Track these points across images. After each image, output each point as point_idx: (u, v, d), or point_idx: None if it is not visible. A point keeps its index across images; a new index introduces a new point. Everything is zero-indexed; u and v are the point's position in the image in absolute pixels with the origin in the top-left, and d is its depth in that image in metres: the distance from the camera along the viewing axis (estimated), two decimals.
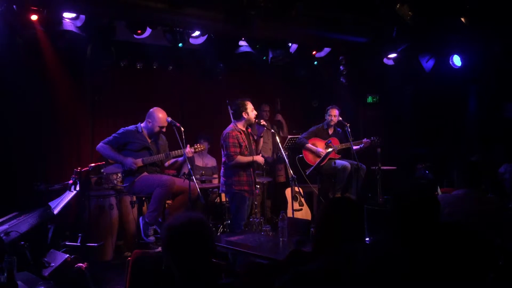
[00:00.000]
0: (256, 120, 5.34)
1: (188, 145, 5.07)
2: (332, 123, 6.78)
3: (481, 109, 7.70)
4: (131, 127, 5.20)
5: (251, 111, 5.29)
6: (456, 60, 7.03)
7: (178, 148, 5.09)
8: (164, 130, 5.20)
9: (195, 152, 5.26)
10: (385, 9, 5.82)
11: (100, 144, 5.09)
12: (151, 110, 5.20)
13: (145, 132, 5.19)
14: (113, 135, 5.13)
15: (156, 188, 4.89)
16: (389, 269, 2.10)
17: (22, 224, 4.43)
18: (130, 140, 5.09)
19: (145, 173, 5.08)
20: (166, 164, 5.39)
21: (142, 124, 5.22)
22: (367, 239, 4.02)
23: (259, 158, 5.30)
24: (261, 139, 5.58)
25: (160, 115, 5.15)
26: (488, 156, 6.39)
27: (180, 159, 5.28)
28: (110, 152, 5.05)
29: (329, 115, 6.72)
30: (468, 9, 5.87)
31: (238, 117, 5.28)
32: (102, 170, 5.22)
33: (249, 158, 5.20)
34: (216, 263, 2.17)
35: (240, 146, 5.17)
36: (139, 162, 5.02)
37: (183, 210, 5.09)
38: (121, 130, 5.17)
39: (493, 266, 2.37)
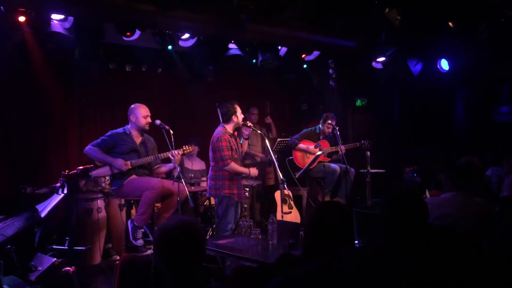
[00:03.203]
0: (243, 122, 5.36)
1: (175, 151, 5.05)
2: (327, 133, 6.80)
3: (469, 112, 7.78)
4: (119, 129, 5.17)
5: (239, 114, 5.30)
6: (444, 64, 7.11)
7: (166, 151, 5.07)
8: (149, 120, 5.15)
9: (183, 154, 5.24)
10: (374, 13, 5.86)
11: (88, 146, 5.05)
12: (131, 107, 5.20)
13: (133, 133, 5.16)
14: (101, 137, 5.10)
15: (145, 191, 4.86)
16: (378, 272, 2.11)
17: (8, 227, 4.38)
18: (118, 142, 5.07)
19: (134, 176, 5.05)
20: (160, 170, 5.35)
21: (129, 126, 5.19)
22: (356, 242, 4.04)
23: (254, 171, 5.26)
24: (246, 141, 5.59)
25: (141, 108, 5.15)
26: (476, 159, 6.45)
27: (170, 165, 5.25)
28: (98, 154, 5.01)
29: (327, 126, 6.72)
30: (456, 14, 5.93)
31: (228, 120, 5.27)
32: (90, 173, 5.18)
33: (244, 169, 5.19)
34: (206, 267, 2.16)
35: (231, 149, 5.17)
36: (128, 164, 4.99)
37: (171, 212, 5.08)
38: (109, 132, 5.14)
39: (481, 269, 2.39)
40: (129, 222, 5.01)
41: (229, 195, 5.17)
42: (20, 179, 5.74)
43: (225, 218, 5.19)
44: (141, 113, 5.12)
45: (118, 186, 5.02)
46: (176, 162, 5.02)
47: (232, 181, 5.20)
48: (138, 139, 5.18)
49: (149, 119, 5.15)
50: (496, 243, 2.89)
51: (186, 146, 5.30)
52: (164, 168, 5.36)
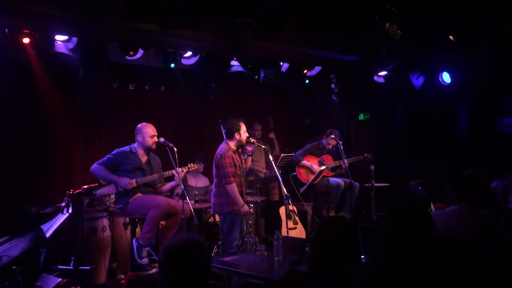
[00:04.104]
0: (247, 140, 5.37)
1: (180, 168, 5.08)
2: (331, 148, 6.80)
3: (472, 124, 7.79)
4: (125, 148, 5.19)
5: (243, 133, 5.30)
6: (446, 77, 7.14)
7: (171, 169, 5.08)
8: (156, 140, 5.15)
9: (188, 171, 5.26)
10: (375, 28, 5.91)
11: (94, 165, 5.06)
12: (138, 126, 5.20)
13: (139, 152, 5.17)
14: (107, 156, 5.11)
15: (150, 209, 4.86)
16: (385, 287, 2.11)
17: (13, 248, 4.39)
18: (124, 161, 5.08)
19: (139, 194, 5.05)
20: (163, 188, 5.36)
21: (135, 144, 5.22)
22: (362, 257, 4.02)
23: (246, 209, 5.22)
24: (250, 158, 5.60)
25: (148, 128, 5.16)
26: (480, 171, 6.45)
27: (172, 182, 5.26)
28: (104, 173, 5.02)
29: (330, 141, 6.72)
30: (456, 27, 5.98)
31: (230, 136, 5.29)
32: (94, 192, 5.19)
33: (240, 200, 5.14)
34: (212, 285, 2.17)
35: (235, 166, 5.19)
36: (133, 182, 5.00)
37: (176, 230, 5.08)
38: (115, 151, 5.16)
39: (488, 283, 2.38)
40: (134, 240, 5.01)
41: (233, 212, 5.18)
42: (25, 199, 5.76)
43: (230, 235, 5.19)
44: (148, 133, 5.13)
45: (124, 204, 5.01)
46: (179, 180, 5.03)
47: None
48: (144, 158, 5.20)
49: (155, 139, 5.15)
50: (503, 255, 2.88)
51: (191, 163, 5.31)
52: (167, 186, 5.36)
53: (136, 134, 5.18)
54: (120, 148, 5.18)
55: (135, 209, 5.00)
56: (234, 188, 5.12)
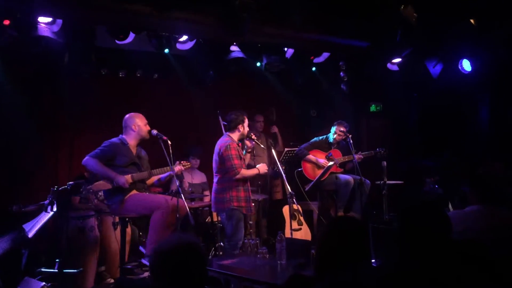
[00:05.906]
0: (247, 135, 5.45)
1: (178, 162, 5.10)
2: (339, 142, 6.78)
3: (493, 116, 7.75)
4: (115, 139, 5.13)
5: (246, 126, 5.43)
6: (466, 65, 7.10)
7: (165, 164, 5.06)
8: (149, 128, 5.19)
9: (184, 169, 5.30)
10: (388, 10, 5.88)
11: (87, 158, 4.96)
12: (129, 116, 5.22)
13: (131, 144, 5.15)
14: (100, 148, 5.03)
15: (154, 212, 4.85)
16: None
17: None
18: (118, 153, 5.03)
19: (135, 191, 5.03)
20: (148, 182, 5.35)
21: (124, 136, 5.20)
22: (373, 261, 4.03)
23: (264, 167, 5.42)
24: (249, 154, 5.67)
25: (140, 116, 5.22)
26: (498, 164, 6.43)
27: (164, 175, 5.26)
28: (99, 168, 4.93)
29: (339, 134, 6.71)
30: (478, 10, 5.95)
31: (233, 129, 5.37)
32: (90, 186, 5.16)
33: (254, 171, 5.36)
34: None
35: (241, 158, 5.25)
36: (129, 179, 4.97)
37: (171, 230, 5.07)
38: (106, 142, 5.08)
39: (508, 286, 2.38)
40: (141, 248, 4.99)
41: (238, 208, 5.24)
42: (5, 196, 5.77)
43: (236, 235, 5.26)
44: (143, 122, 5.18)
45: (119, 202, 4.97)
46: (175, 173, 5.05)
47: (241, 193, 5.29)
48: (134, 151, 5.19)
49: (148, 127, 5.21)
50: None
51: (184, 161, 5.33)
52: (155, 178, 5.36)
53: (130, 125, 5.16)
54: (110, 140, 5.13)
55: (132, 208, 4.97)
56: (245, 172, 5.26)
